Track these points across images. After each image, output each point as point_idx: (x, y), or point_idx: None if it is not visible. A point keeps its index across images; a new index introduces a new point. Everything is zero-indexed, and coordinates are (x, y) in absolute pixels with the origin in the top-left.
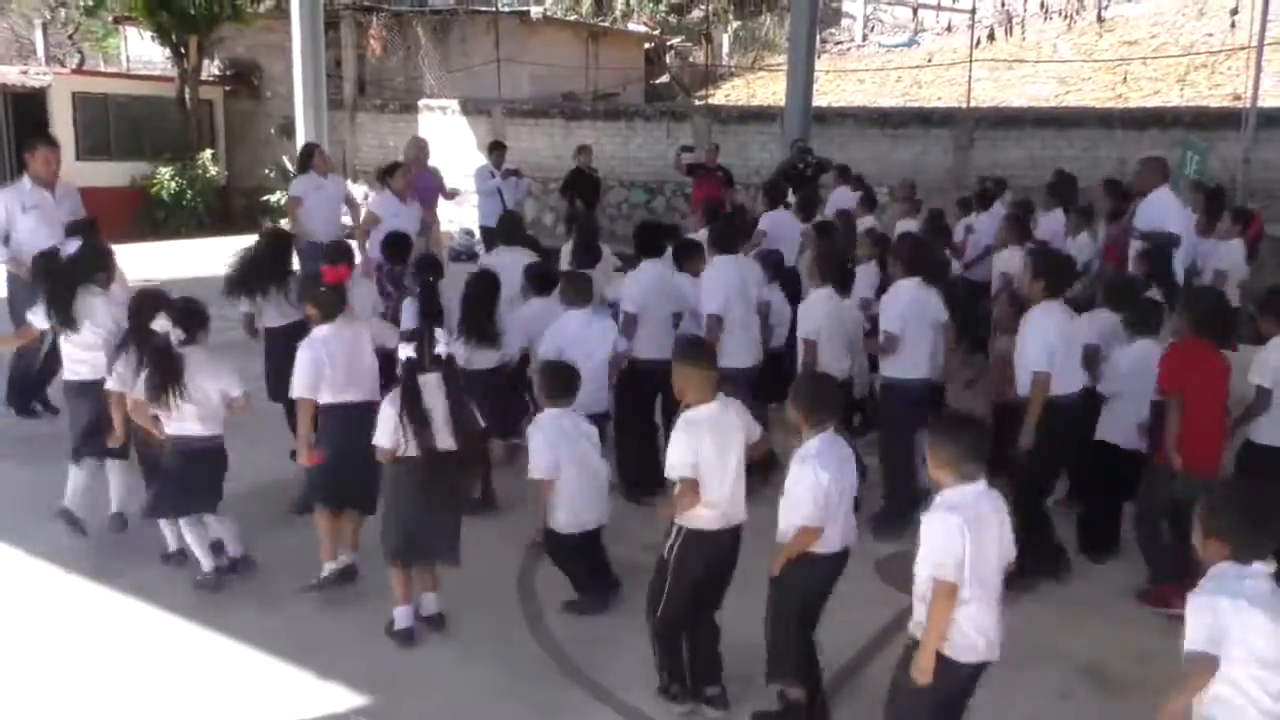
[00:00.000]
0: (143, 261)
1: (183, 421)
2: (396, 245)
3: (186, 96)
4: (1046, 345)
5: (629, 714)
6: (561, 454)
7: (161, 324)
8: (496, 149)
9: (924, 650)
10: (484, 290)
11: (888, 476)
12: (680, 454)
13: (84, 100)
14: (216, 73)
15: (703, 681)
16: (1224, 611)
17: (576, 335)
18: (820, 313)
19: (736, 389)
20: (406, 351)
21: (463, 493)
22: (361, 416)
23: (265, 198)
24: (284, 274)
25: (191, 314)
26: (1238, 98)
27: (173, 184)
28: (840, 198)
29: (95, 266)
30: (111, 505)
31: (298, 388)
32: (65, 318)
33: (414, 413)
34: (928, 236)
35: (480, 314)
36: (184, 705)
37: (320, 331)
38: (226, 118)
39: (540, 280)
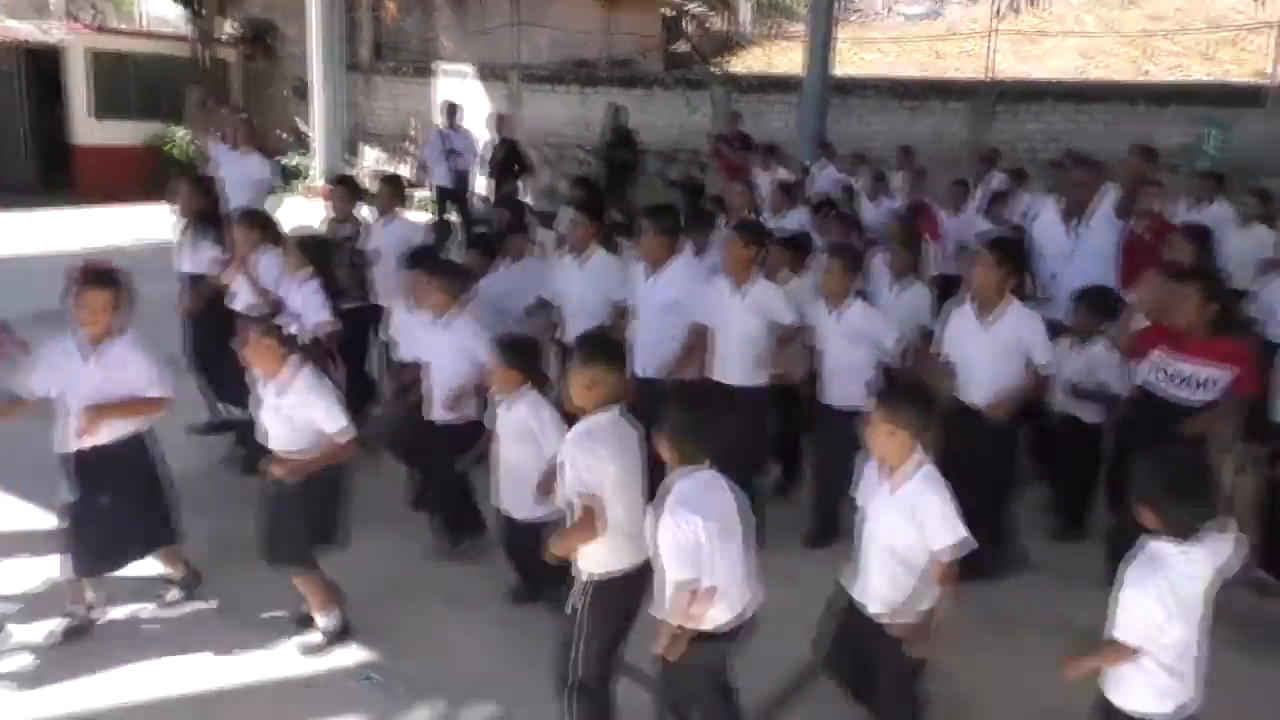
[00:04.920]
0: (158, 224)
1: None
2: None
3: (203, 57)
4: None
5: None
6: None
7: None
8: (451, 110)
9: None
10: None
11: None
12: (578, 471)
13: (100, 58)
14: (232, 33)
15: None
16: (1160, 601)
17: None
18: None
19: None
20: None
21: None
22: None
23: (281, 160)
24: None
25: None
26: (1263, 74)
27: (187, 144)
28: (826, 179)
29: None
30: None
31: None
32: None
33: None
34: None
35: None
36: (192, 663)
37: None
38: (243, 79)
39: None
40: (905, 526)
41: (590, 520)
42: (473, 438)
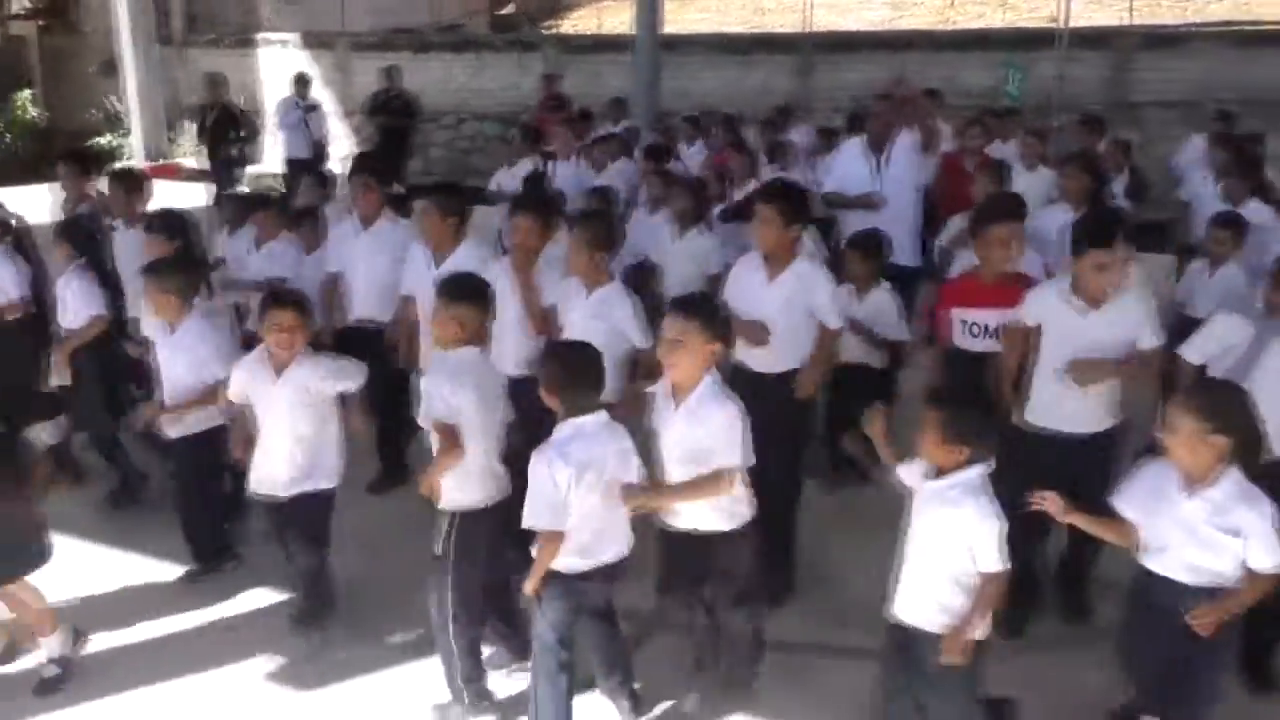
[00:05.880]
0: None
1: None
2: None
3: None
4: None
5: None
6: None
7: None
8: (301, 82)
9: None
10: None
11: None
12: (432, 401)
13: None
14: (28, 5)
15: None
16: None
17: None
18: None
19: None
20: None
21: None
22: None
23: (91, 141)
24: None
25: None
26: (1054, 20)
27: None
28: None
29: None
30: None
31: None
32: None
33: None
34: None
35: None
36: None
37: None
38: (42, 55)
39: None
40: (696, 434)
41: (449, 445)
42: (212, 452)
